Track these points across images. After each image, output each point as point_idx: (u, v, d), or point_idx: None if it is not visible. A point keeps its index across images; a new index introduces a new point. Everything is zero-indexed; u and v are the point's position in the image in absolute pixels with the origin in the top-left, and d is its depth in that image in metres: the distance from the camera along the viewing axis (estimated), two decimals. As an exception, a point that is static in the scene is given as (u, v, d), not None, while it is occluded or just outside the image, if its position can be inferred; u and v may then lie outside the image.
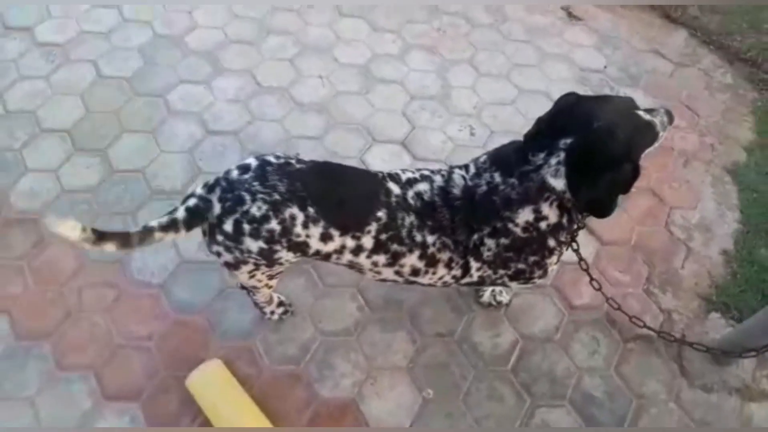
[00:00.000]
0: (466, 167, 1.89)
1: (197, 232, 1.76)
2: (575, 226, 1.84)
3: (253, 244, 1.69)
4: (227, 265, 1.83)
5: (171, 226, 1.71)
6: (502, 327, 2.42)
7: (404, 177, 1.87)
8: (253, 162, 1.74)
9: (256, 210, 1.65)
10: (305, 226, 1.69)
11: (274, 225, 1.66)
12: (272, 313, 2.35)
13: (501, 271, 1.92)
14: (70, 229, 1.53)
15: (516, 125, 3.08)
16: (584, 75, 3.42)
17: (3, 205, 2.64)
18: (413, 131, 3.04)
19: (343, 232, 1.74)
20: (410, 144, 2.98)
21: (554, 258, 1.91)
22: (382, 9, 3.68)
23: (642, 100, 3.25)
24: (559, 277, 2.55)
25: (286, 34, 3.46)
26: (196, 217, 1.72)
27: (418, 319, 2.42)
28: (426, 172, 1.91)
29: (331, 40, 3.47)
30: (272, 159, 1.76)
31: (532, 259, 1.87)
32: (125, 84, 3.13)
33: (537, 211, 1.72)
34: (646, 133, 1.67)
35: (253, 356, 2.31)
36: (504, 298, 2.44)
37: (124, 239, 1.67)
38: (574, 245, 1.92)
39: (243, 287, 2.19)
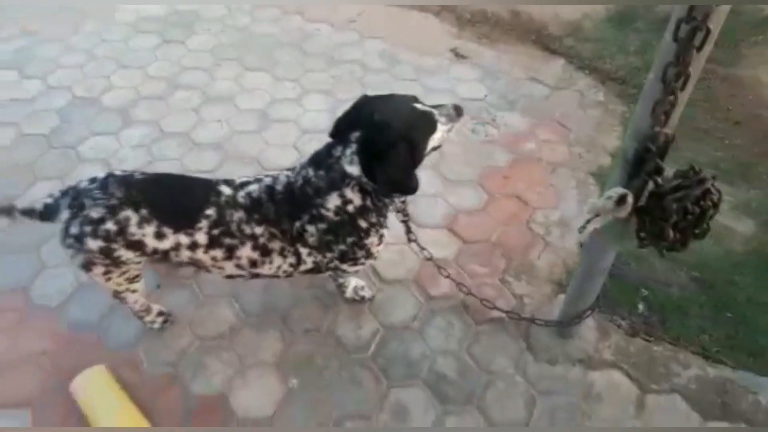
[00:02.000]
0: (292, 169, 2.17)
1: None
2: (383, 207, 2.11)
3: (93, 243, 1.95)
4: (82, 267, 2.08)
5: (28, 212, 2.04)
6: (364, 319, 2.62)
7: (238, 181, 2.14)
8: (100, 175, 2.04)
9: (95, 213, 1.93)
10: (139, 225, 1.96)
11: (110, 225, 1.93)
12: (152, 322, 2.57)
13: (329, 254, 2.16)
14: None
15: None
16: (464, 104, 3.74)
17: None
18: (301, 159, 3.33)
19: (176, 230, 2.00)
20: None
21: (372, 239, 2.16)
22: (285, 63, 4.08)
23: (518, 121, 3.59)
24: (419, 272, 2.77)
25: (193, 89, 3.85)
26: (49, 212, 2.02)
27: (289, 319, 2.63)
28: (260, 176, 2.18)
29: (235, 90, 3.86)
30: (118, 173, 2.06)
31: (350, 240, 2.12)
32: (42, 140, 3.48)
33: (342, 196, 1.99)
34: (422, 121, 1.96)
35: (135, 362, 2.50)
36: (366, 293, 2.65)
37: None
38: (400, 216, 2.18)
39: (116, 297, 2.42)
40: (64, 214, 1.98)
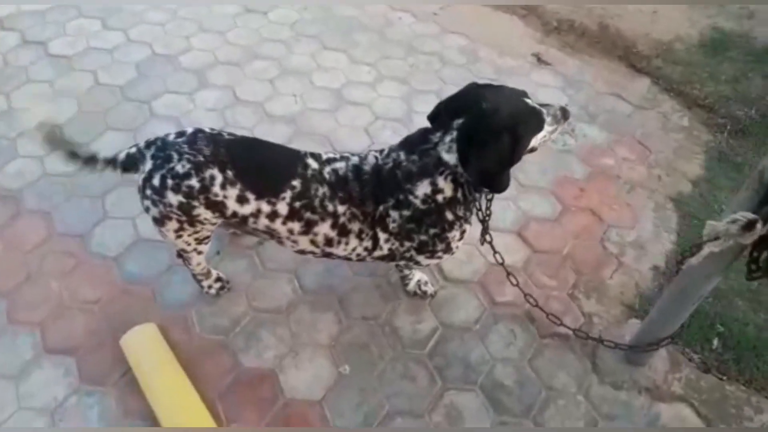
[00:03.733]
0: (381, 151, 2.09)
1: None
2: (472, 201, 2.01)
3: (173, 198, 1.90)
4: (155, 221, 2.03)
5: (110, 162, 2.02)
6: (424, 314, 2.53)
7: (325, 156, 2.07)
8: (188, 129, 1.99)
9: (180, 168, 1.88)
10: (223, 187, 1.90)
11: (194, 182, 1.88)
12: (210, 287, 2.52)
13: (407, 243, 2.08)
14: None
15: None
16: (544, 110, 3.64)
17: (-10, 183, 2.94)
18: (372, 145, 3.26)
19: (259, 197, 1.94)
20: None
21: (455, 233, 2.07)
22: (363, 46, 4.02)
23: (598, 135, 3.46)
24: (486, 275, 2.67)
25: (271, 60, 3.81)
26: (130, 163, 2.00)
27: (347, 303, 2.55)
28: (347, 154, 2.11)
29: (312, 67, 3.80)
30: (206, 129, 2.00)
31: (432, 231, 2.03)
32: (117, 90, 3.47)
33: (434, 184, 1.91)
34: (530, 117, 1.87)
35: (186, 324, 2.46)
36: (429, 288, 2.56)
37: (73, 154, 2.03)
38: (480, 215, 2.09)
39: (179, 256, 2.37)
40: (148, 165, 1.93)
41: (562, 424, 2.24)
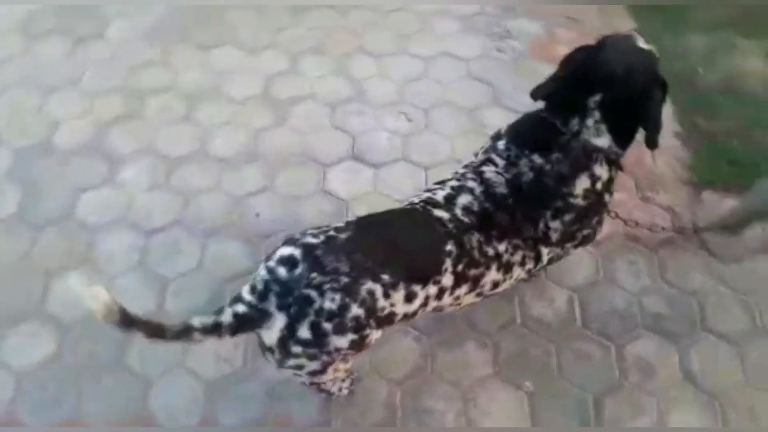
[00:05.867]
0: (489, 161, 1.79)
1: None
2: None
3: (341, 340, 1.49)
4: (312, 374, 1.60)
5: (214, 329, 1.49)
6: (550, 291, 2.40)
7: (439, 198, 1.73)
8: (295, 251, 1.51)
9: (330, 303, 1.44)
10: (386, 295, 1.51)
11: (356, 310, 1.46)
12: (340, 389, 2.12)
13: (568, 245, 1.88)
14: (93, 297, 1.33)
15: (442, 96, 3.03)
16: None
17: None
18: (356, 142, 2.84)
19: (425, 284, 1.58)
20: (361, 155, 2.80)
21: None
22: (248, 28, 3.36)
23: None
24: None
25: (163, 92, 3.03)
26: (244, 324, 1.50)
27: (477, 324, 2.32)
28: (453, 183, 1.78)
29: (214, 79, 3.11)
30: (312, 239, 1.53)
31: (595, 219, 1.85)
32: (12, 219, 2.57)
33: (592, 176, 1.70)
34: (654, 58, 1.70)
35: (351, 444, 2.09)
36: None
37: (157, 330, 1.45)
38: None
39: (319, 388, 1.94)
40: (279, 320, 1.46)
41: (724, 320, 2.33)
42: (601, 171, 1.70)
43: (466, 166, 1.85)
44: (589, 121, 1.63)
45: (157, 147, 2.81)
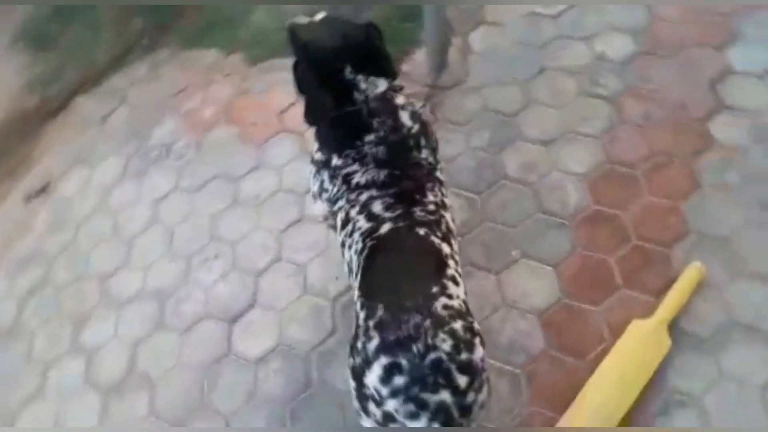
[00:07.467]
0: (345, 176, 1.86)
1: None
2: None
3: (479, 351, 1.51)
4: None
5: None
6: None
7: (366, 224, 1.77)
8: (379, 363, 1.44)
9: (444, 343, 1.43)
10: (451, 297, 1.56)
11: (455, 325, 1.48)
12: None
13: (437, 154, 2.02)
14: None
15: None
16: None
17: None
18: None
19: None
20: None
21: None
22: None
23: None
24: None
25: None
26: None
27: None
28: (353, 210, 1.81)
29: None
30: (403, 362, 1.43)
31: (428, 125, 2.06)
32: None
33: (402, 107, 1.90)
34: (341, 18, 1.93)
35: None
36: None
37: None
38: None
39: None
40: (444, 395, 1.42)
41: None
42: (401, 99, 1.91)
43: (334, 202, 1.90)
44: (362, 85, 1.81)
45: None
